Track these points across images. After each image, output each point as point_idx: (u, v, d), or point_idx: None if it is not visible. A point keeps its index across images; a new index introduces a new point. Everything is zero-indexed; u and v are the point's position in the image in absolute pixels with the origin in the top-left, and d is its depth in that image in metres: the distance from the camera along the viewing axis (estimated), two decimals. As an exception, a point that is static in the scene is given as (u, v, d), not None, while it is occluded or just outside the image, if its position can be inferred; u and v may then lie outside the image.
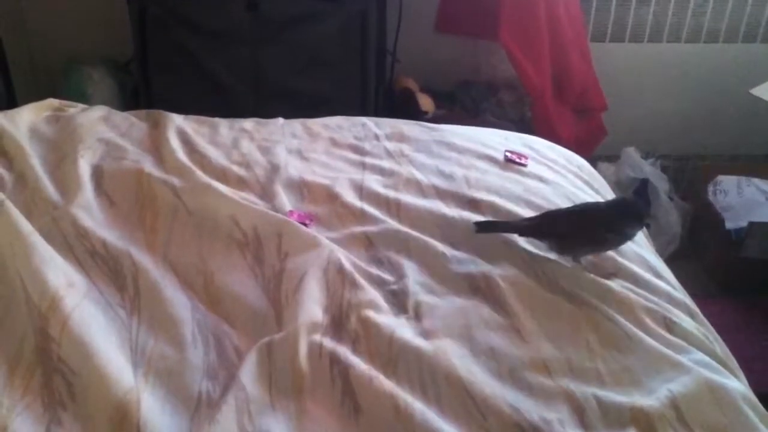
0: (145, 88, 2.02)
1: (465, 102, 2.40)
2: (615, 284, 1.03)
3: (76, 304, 0.90)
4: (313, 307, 0.93)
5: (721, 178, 2.45)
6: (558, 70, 2.30)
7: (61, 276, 0.94)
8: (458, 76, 2.43)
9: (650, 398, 0.86)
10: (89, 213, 1.09)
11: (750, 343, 1.99)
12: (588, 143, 2.42)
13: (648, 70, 2.55)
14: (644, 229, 1.35)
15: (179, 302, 0.95)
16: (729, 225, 2.24)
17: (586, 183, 1.35)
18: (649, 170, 2.50)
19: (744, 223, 2.19)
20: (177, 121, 1.38)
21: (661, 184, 2.50)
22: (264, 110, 1.52)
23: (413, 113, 2.19)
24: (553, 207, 1.19)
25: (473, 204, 1.18)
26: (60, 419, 0.78)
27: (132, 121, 1.39)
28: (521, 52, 2.19)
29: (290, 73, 2.01)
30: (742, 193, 2.40)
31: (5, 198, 1.06)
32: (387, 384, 0.83)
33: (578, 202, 1.23)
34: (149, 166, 1.22)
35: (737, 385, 0.89)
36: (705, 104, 2.60)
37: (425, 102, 2.31)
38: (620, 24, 2.47)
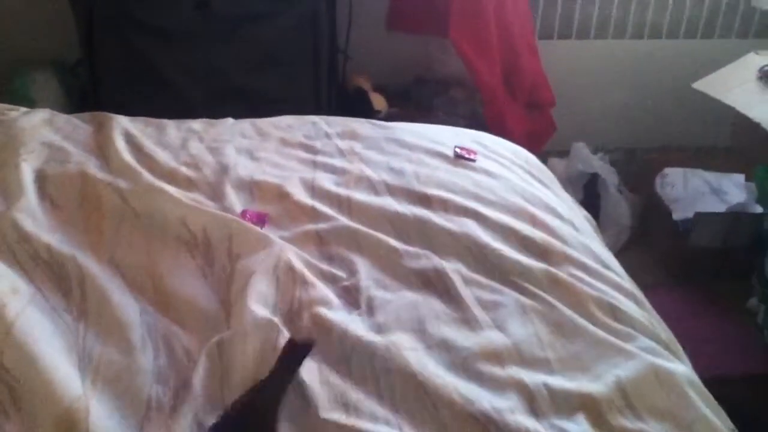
0: (93, 91, 1.97)
1: (418, 99, 2.42)
2: (562, 272, 1.05)
3: (20, 311, 0.87)
4: (260, 305, 0.92)
5: (667, 170, 2.51)
6: (508, 67, 2.33)
7: (4, 282, 0.91)
8: (411, 74, 2.45)
9: (598, 384, 0.88)
10: (32, 217, 1.06)
11: (701, 328, 2.05)
12: (539, 138, 2.46)
13: (594, 65, 2.61)
14: (593, 220, 1.38)
15: (127, 306, 0.94)
16: (676, 216, 2.30)
17: (534, 177, 1.37)
18: (599, 164, 2.55)
19: (690, 214, 2.25)
20: (123, 122, 1.36)
21: (610, 177, 2.56)
22: (216, 110, 1.50)
23: (367, 112, 2.19)
24: (501, 201, 1.20)
25: (424, 199, 1.19)
26: (3, 429, 0.76)
27: (76, 124, 1.36)
28: (471, 50, 2.21)
29: (242, 73, 1.99)
30: (688, 184, 2.47)
31: None
32: (340, 387, 0.83)
33: (526, 195, 1.25)
34: (94, 169, 1.19)
35: (682, 369, 0.92)
36: (650, 98, 2.67)
37: (378, 101, 2.31)
38: (567, 21, 2.52)
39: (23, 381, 0.80)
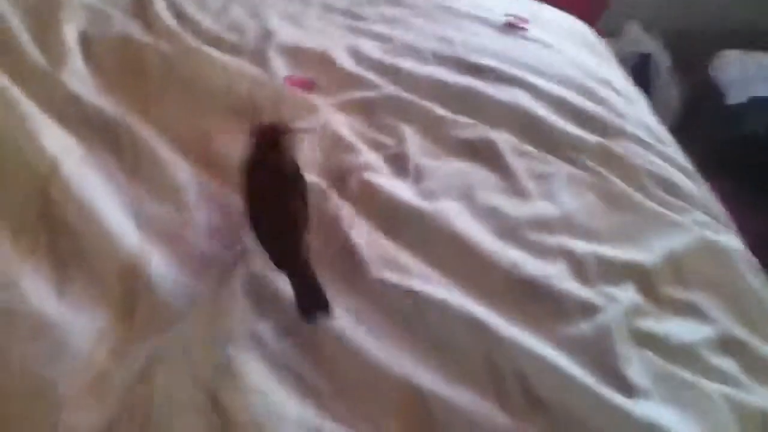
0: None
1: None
2: (616, 145, 1.02)
3: (76, 168, 0.89)
4: (310, 169, 0.92)
5: (725, 52, 2.39)
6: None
7: (57, 141, 0.92)
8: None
9: (648, 254, 0.87)
10: (80, 80, 1.05)
11: (750, 223, 2.01)
12: (589, 15, 2.34)
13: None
14: (647, 98, 1.33)
15: (179, 167, 0.94)
16: (730, 100, 2.21)
17: (589, 49, 1.31)
18: (651, 45, 2.44)
19: (745, 99, 2.15)
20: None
21: (662, 59, 2.45)
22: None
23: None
24: (554, 72, 1.16)
25: (473, 69, 1.15)
26: (70, 278, 0.79)
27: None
28: None
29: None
30: (745, 67, 2.35)
31: None
32: (389, 250, 0.84)
33: (581, 67, 1.20)
34: (137, 33, 1.17)
35: (734, 242, 0.91)
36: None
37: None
38: None
39: (85, 235, 0.82)
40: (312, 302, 0.74)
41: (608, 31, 2.42)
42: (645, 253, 0.87)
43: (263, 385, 0.70)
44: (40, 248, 0.82)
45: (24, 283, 0.77)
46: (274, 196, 0.78)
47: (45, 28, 1.14)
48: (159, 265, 0.81)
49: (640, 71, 2.40)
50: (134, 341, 0.74)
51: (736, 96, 2.21)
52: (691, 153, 1.07)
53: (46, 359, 0.69)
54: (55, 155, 0.89)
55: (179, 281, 0.80)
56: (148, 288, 0.78)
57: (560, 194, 0.94)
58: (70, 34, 1.14)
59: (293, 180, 0.80)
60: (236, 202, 0.91)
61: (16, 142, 0.92)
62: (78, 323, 0.74)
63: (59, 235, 0.83)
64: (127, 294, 0.78)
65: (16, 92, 0.97)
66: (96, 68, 1.10)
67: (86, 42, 1.14)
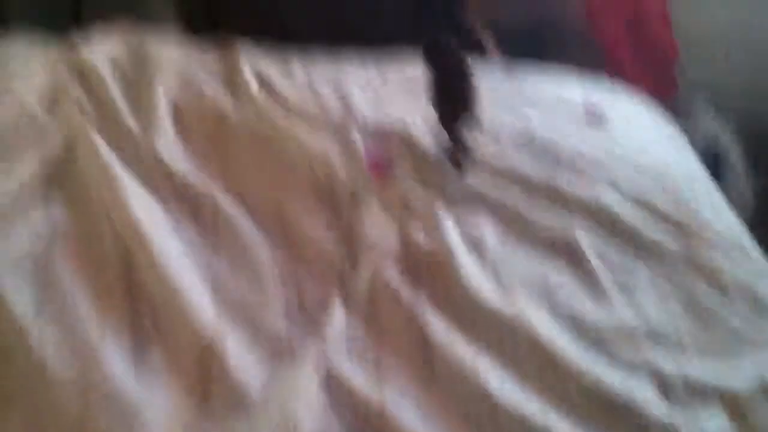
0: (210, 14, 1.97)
1: (530, 43, 2.31)
2: (701, 252, 1.00)
3: (160, 238, 0.90)
4: (386, 261, 0.93)
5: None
6: (631, 14, 2.19)
7: (145, 210, 0.94)
8: (525, 15, 2.33)
9: (738, 377, 0.83)
10: (169, 147, 1.08)
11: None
12: (659, 97, 2.33)
13: (724, 22, 2.40)
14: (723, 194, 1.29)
15: (258, 243, 0.95)
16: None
17: (670, 140, 1.30)
18: (720, 130, 2.39)
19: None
20: (251, 54, 1.35)
21: (732, 146, 2.40)
22: (333, 48, 1.47)
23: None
24: (636, 166, 1.14)
25: (553, 159, 1.14)
26: (148, 350, 0.79)
27: (204, 51, 1.36)
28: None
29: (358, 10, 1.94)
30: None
31: (90, 129, 1.06)
32: (465, 352, 0.82)
33: (662, 162, 1.18)
34: (225, 102, 1.20)
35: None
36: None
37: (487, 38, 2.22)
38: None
39: (163, 304, 0.84)
40: None
41: (677, 114, 2.40)
42: (735, 377, 0.83)
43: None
44: (122, 315, 0.83)
45: (103, 352, 0.78)
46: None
47: (140, 93, 1.18)
48: (234, 345, 0.81)
49: (710, 158, 2.35)
50: (208, 422, 0.74)
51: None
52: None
53: (120, 432, 0.69)
54: (143, 225, 0.91)
55: (254, 364, 0.80)
56: (223, 368, 0.78)
57: (644, 302, 0.92)
58: (162, 100, 1.17)
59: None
60: (310, 283, 0.92)
61: (106, 207, 0.94)
62: (154, 399, 0.75)
63: (139, 301, 0.84)
64: (203, 373, 0.79)
65: (111, 157, 1.00)
66: (184, 136, 1.12)
67: (176, 109, 1.17)
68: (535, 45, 2.26)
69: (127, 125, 1.09)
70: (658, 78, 2.32)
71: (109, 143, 1.04)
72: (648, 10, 2.20)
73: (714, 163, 2.29)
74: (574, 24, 2.28)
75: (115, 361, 0.77)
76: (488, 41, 2.19)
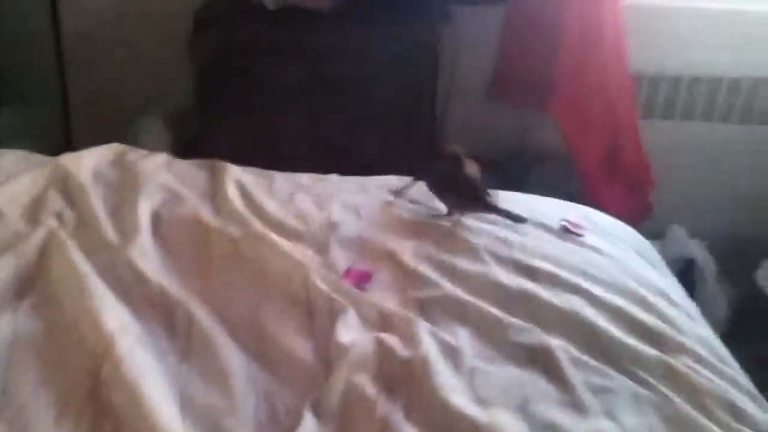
0: (200, 141, 2.06)
1: (511, 171, 2.40)
2: (678, 363, 0.99)
3: (129, 349, 0.89)
4: (361, 374, 0.91)
5: (771, 261, 2.38)
6: (608, 145, 2.29)
7: (116, 319, 0.93)
8: (505, 145, 2.44)
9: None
10: (146, 257, 1.09)
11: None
12: (634, 219, 2.38)
13: (698, 148, 2.52)
14: (699, 309, 1.31)
15: (231, 354, 0.94)
16: (780, 312, 2.16)
17: (644, 258, 1.32)
18: (696, 250, 2.44)
19: (798, 312, 2.11)
20: (235, 171, 1.40)
21: (707, 265, 2.44)
22: (315, 168, 1.53)
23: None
24: (611, 280, 1.16)
25: (530, 272, 1.16)
26: None
27: (192, 169, 1.41)
28: (572, 125, 2.20)
29: (342, 132, 2.03)
30: (795, 278, 2.32)
31: (66, 238, 1.07)
32: None
33: (637, 277, 1.20)
34: (207, 214, 1.22)
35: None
36: (756, 186, 2.56)
37: (472, 167, 2.30)
38: (670, 101, 2.46)
39: (129, 421, 0.81)
40: None
41: (652, 235, 2.45)
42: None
43: None
44: (81, 428, 0.80)
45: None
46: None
47: (122, 205, 1.20)
48: None
49: (685, 277, 2.38)
50: None
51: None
52: (743, 365, 1.04)
53: None
54: (111, 333, 0.90)
55: None
56: None
57: (622, 413, 0.90)
58: (144, 211, 1.20)
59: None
60: (283, 395, 0.90)
61: (75, 317, 0.94)
62: None
63: (103, 418, 0.81)
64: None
65: (85, 266, 1.01)
66: (163, 246, 1.14)
67: (157, 219, 1.20)
68: (514, 173, 2.36)
69: (105, 234, 1.11)
70: (634, 203, 2.40)
71: (86, 252, 1.05)
72: (624, 140, 2.30)
73: (689, 278, 2.33)
74: (552, 153, 2.38)
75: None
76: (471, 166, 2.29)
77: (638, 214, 2.39)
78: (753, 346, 2.24)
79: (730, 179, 2.55)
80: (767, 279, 2.34)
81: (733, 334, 2.27)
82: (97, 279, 0.99)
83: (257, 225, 1.20)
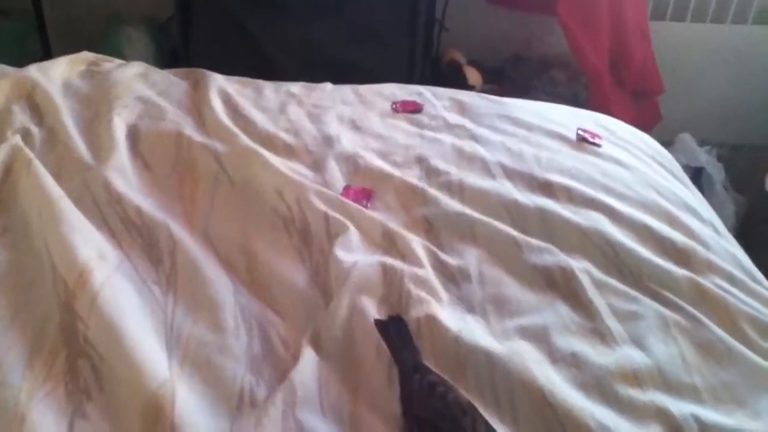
0: (184, 50, 1.91)
1: (515, 78, 2.27)
2: (708, 283, 0.91)
3: (106, 279, 0.80)
4: (366, 299, 0.83)
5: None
6: (616, 50, 2.16)
7: (92, 246, 0.84)
8: (508, 51, 2.30)
9: (757, 422, 0.74)
10: (124, 177, 0.98)
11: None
12: (642, 127, 2.28)
13: (708, 52, 2.39)
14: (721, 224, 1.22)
15: (220, 283, 0.85)
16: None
17: (666, 169, 1.22)
18: (705, 158, 2.35)
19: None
20: (219, 81, 1.27)
21: (716, 173, 2.36)
22: (307, 78, 1.41)
23: (460, 87, 2.07)
24: (634, 194, 1.07)
25: (546, 187, 1.06)
26: (84, 411, 0.68)
27: (171, 80, 1.28)
28: (579, 30, 2.06)
29: (336, 44, 1.90)
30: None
31: (33, 157, 0.96)
32: None
33: (661, 190, 1.11)
34: (189, 129, 1.11)
35: None
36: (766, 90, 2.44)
37: (473, 76, 2.18)
38: (682, 1, 2.30)
39: (107, 358, 0.73)
40: None
41: (660, 143, 2.36)
42: (755, 422, 0.74)
43: None
44: (58, 370, 0.72)
45: (30, 414, 0.66)
46: None
47: (95, 120, 1.09)
48: (187, 397, 0.70)
49: (694, 185, 2.31)
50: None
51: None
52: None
53: None
54: (86, 262, 0.80)
55: (209, 419, 0.69)
56: (172, 426, 0.67)
57: (649, 339, 0.82)
58: (120, 127, 1.08)
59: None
60: (278, 326, 0.82)
61: (47, 245, 0.84)
62: None
63: (79, 356, 0.73)
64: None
65: (56, 189, 0.91)
66: (141, 165, 1.03)
67: (135, 136, 1.08)
68: (518, 80, 2.24)
69: (77, 153, 1.00)
70: (642, 110, 2.29)
71: (56, 173, 0.95)
72: (632, 45, 2.17)
73: (698, 186, 2.24)
74: (557, 59, 2.25)
75: (46, 423, 0.66)
76: (472, 74, 2.16)
77: (646, 122, 2.28)
78: (759, 255, 2.20)
79: (742, 84, 2.42)
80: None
81: (740, 244, 2.24)
82: (68, 202, 0.89)
83: (245, 140, 1.08)
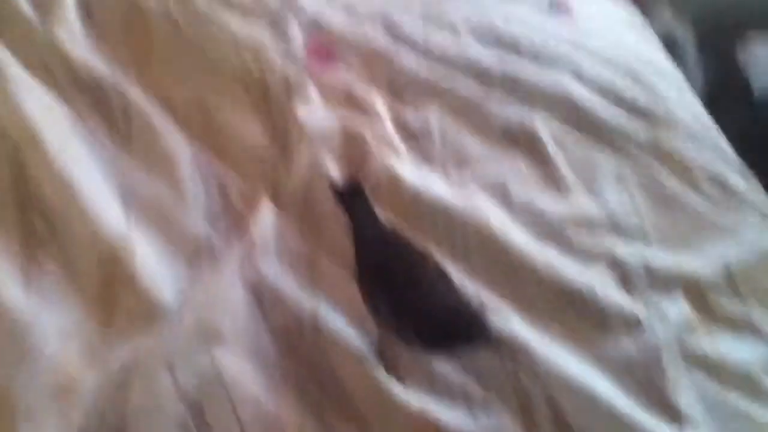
0: None
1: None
2: (667, 136, 0.92)
3: (56, 136, 0.79)
4: (324, 153, 0.83)
5: (752, 34, 2.26)
6: None
7: (39, 104, 0.82)
8: None
9: (701, 262, 0.78)
10: (74, 39, 0.94)
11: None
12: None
13: None
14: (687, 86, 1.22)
15: (176, 141, 0.84)
16: (756, 85, 2.09)
17: (636, 30, 1.20)
18: (677, 28, 2.32)
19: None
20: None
21: (688, 43, 2.33)
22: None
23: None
24: (600, 53, 1.05)
25: (512, 45, 1.03)
26: (41, 263, 0.70)
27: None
28: None
29: None
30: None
31: None
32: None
33: (629, 49, 1.09)
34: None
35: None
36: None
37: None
38: None
39: (61, 213, 0.73)
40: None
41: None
42: (697, 262, 0.77)
43: (257, 398, 0.62)
44: (9, 225, 0.72)
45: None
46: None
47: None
48: (146, 250, 0.72)
49: (667, 48, 2.28)
50: (110, 341, 0.65)
51: (761, 81, 2.09)
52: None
53: (4, 360, 0.61)
54: (36, 122, 0.79)
55: (167, 270, 0.71)
56: (131, 276, 0.69)
57: (605, 190, 0.84)
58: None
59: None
60: (236, 182, 0.82)
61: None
62: (46, 318, 0.66)
63: (32, 213, 0.73)
64: (107, 283, 0.69)
65: (1, 52, 0.87)
66: (94, 27, 0.98)
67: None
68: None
69: (19, 9, 0.95)
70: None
71: (4, 38, 0.91)
72: None
73: (670, 53, 2.23)
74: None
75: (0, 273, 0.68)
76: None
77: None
78: (728, 123, 2.22)
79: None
80: (745, 52, 2.24)
81: (710, 110, 2.24)
82: (10, 59, 0.86)
83: (201, 2, 1.03)
